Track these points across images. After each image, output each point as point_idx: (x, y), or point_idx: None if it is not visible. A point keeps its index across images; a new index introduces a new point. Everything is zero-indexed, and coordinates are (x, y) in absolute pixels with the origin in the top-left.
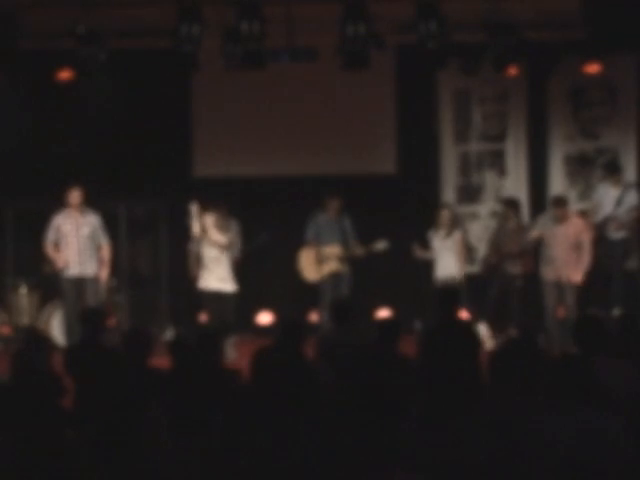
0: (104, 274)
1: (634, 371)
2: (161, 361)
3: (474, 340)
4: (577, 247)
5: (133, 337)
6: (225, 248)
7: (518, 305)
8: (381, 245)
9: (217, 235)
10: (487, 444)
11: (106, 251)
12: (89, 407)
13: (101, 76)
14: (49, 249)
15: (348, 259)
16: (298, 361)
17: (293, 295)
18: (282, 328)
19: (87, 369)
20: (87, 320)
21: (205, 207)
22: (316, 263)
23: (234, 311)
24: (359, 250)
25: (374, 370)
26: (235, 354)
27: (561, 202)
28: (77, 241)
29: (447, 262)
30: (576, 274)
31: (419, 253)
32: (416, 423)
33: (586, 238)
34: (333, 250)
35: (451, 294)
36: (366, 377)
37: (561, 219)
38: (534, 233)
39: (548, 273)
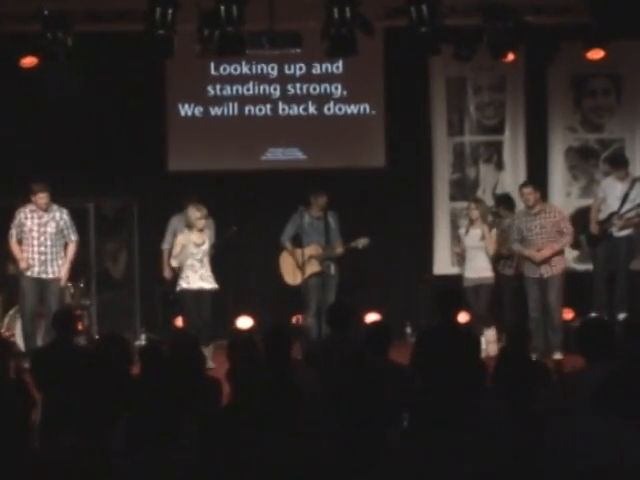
0: (64, 272)
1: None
2: (134, 369)
3: (473, 345)
4: (558, 236)
5: (109, 343)
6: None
7: (511, 307)
8: (362, 242)
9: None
10: (482, 459)
11: (72, 249)
12: (55, 415)
13: (68, 63)
14: (14, 247)
15: (330, 259)
16: (283, 371)
17: (274, 298)
18: (266, 336)
19: (57, 373)
20: (57, 322)
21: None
22: (296, 267)
23: (211, 312)
24: (339, 249)
25: (361, 379)
26: (212, 364)
27: (527, 183)
28: (40, 239)
29: (479, 264)
30: (547, 250)
31: (457, 250)
32: (406, 436)
33: (568, 225)
34: (312, 251)
35: (452, 295)
36: (353, 387)
37: (531, 204)
38: (536, 256)
39: (528, 269)
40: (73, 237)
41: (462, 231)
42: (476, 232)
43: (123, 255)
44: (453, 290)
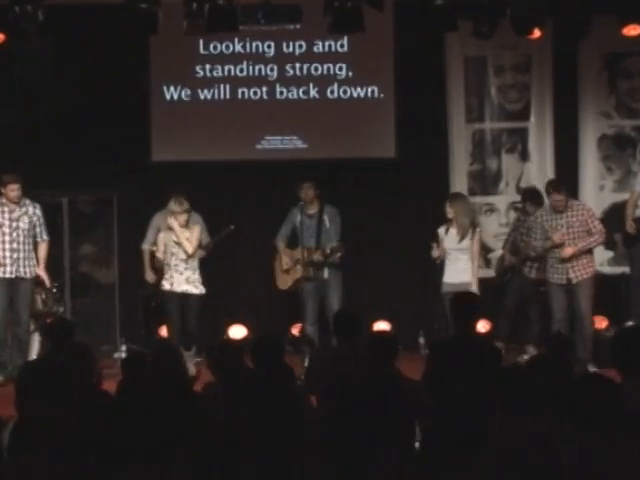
0: (43, 274)
1: None
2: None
3: (495, 359)
4: (587, 236)
5: (70, 352)
6: (190, 255)
7: (537, 316)
8: (336, 251)
9: (186, 242)
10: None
11: (45, 249)
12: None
13: (38, 39)
14: None
15: (312, 264)
16: (280, 386)
17: (271, 304)
18: (256, 345)
19: (44, 389)
20: (52, 332)
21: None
22: (284, 269)
23: (199, 320)
24: (316, 255)
25: (365, 396)
26: (194, 370)
27: (560, 186)
28: (12, 235)
29: (460, 267)
30: (569, 249)
31: (437, 253)
32: (418, 460)
33: (597, 224)
34: (298, 254)
35: (470, 302)
36: (355, 405)
37: (561, 210)
38: (556, 237)
39: (553, 274)
40: (45, 236)
41: (441, 230)
42: (455, 232)
43: (101, 256)
44: (470, 296)
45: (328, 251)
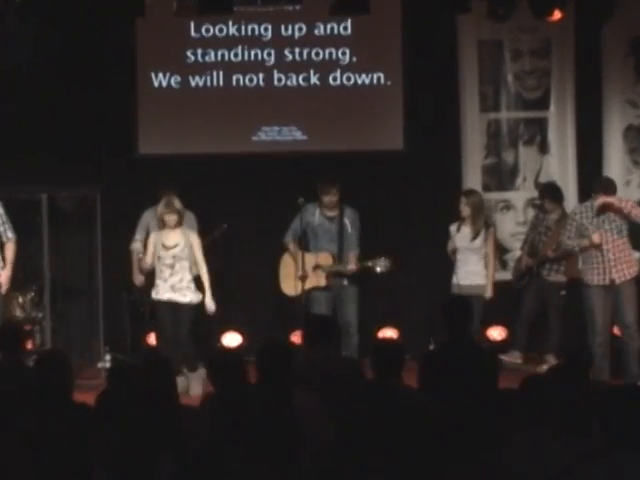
0: (5, 277)
1: None
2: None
3: (490, 366)
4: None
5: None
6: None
7: (558, 323)
8: (381, 265)
9: (201, 260)
10: None
11: (12, 248)
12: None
13: (16, 24)
14: None
15: (340, 274)
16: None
17: (269, 310)
18: (259, 355)
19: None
20: (2, 340)
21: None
22: (297, 275)
23: (189, 332)
24: (351, 266)
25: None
26: (200, 389)
27: (610, 190)
28: None
29: (470, 268)
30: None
31: (452, 245)
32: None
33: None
34: (320, 260)
35: (460, 306)
36: (357, 416)
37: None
38: (595, 237)
39: (594, 275)
40: (10, 234)
41: (453, 228)
42: (468, 230)
43: (83, 258)
44: (463, 300)
45: (369, 264)
